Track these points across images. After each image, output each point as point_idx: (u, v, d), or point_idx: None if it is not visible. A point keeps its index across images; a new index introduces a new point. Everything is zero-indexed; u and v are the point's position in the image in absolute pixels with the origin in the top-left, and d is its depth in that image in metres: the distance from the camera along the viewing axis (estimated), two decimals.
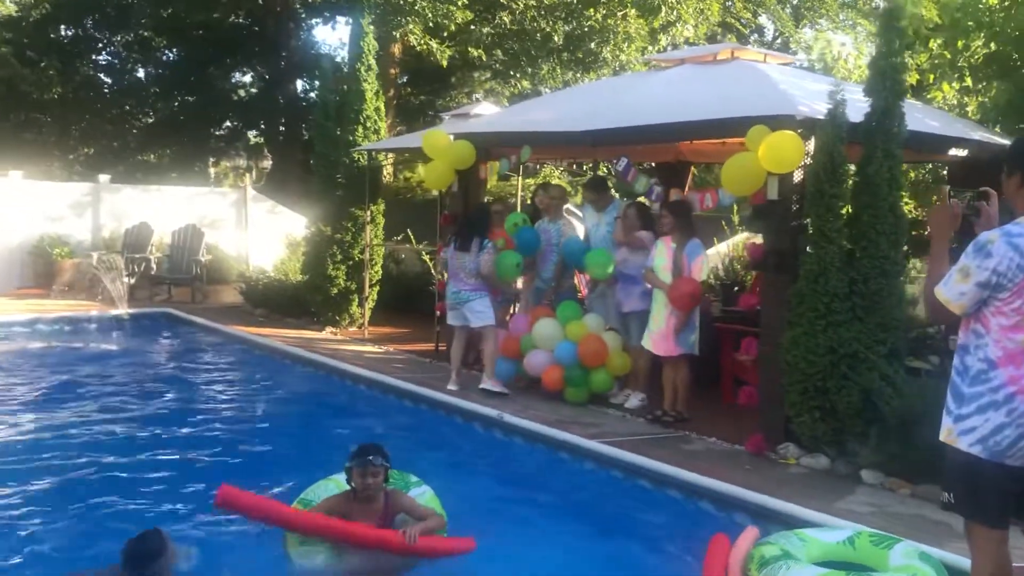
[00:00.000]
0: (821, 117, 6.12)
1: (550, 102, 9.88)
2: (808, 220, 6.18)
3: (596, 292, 8.30)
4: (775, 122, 6.18)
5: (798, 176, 6.31)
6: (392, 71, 18.70)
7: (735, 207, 12.01)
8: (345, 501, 4.28)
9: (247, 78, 28.95)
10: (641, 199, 8.09)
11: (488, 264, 7.89)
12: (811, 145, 6.24)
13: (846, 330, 5.98)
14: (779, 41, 24.58)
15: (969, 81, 8.89)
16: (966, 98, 9.51)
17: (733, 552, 4.38)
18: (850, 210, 6.11)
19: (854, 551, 4.39)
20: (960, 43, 8.98)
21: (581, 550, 4.92)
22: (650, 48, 16.03)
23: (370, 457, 4.20)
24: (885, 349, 5.99)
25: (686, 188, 10.31)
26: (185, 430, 6.92)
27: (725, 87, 7.31)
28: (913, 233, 7.56)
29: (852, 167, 6.16)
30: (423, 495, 4.47)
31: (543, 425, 6.77)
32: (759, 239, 10.36)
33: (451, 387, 7.95)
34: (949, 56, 8.84)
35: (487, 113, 10.68)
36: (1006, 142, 7.81)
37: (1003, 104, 8.03)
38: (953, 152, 7.49)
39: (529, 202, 11.63)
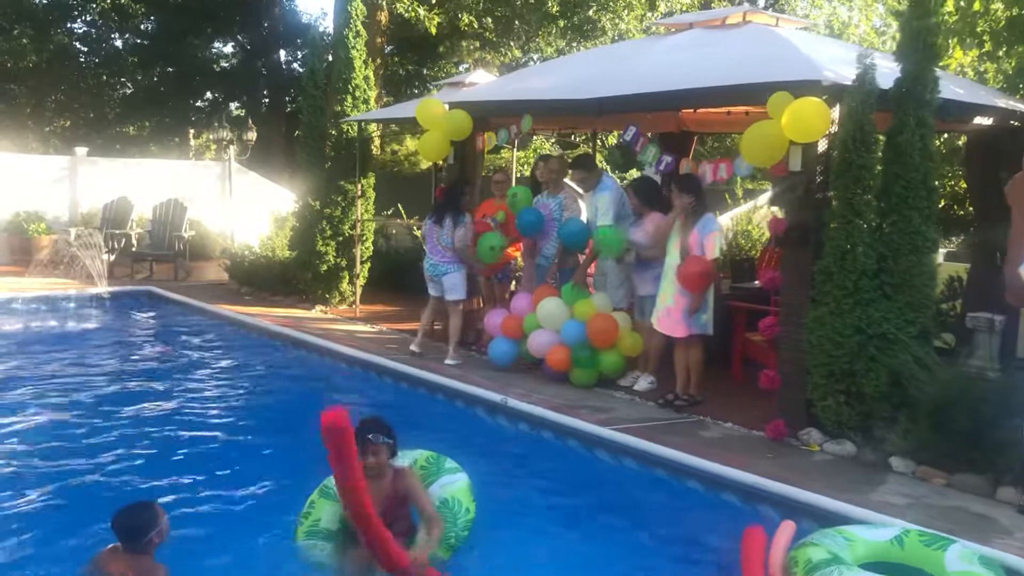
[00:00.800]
0: (848, 83, 5.75)
1: (552, 69, 9.43)
2: (834, 193, 5.83)
3: (599, 271, 7.92)
4: (799, 88, 5.80)
5: (822, 146, 5.95)
6: (378, 40, 18.16)
7: (738, 179, 11.72)
8: None
9: (228, 48, 28.30)
10: (631, 174, 7.71)
11: (461, 239, 7.99)
12: (836, 113, 5.88)
13: (875, 309, 5.65)
14: (771, 9, 24.11)
15: (989, 46, 8.51)
16: (984, 65, 9.13)
17: (772, 551, 4.07)
18: (879, 182, 5.76)
19: (903, 551, 4.08)
20: (977, 5, 8.60)
21: (597, 547, 4.61)
22: (649, 15, 15.54)
23: (368, 436, 3.88)
24: (915, 330, 5.68)
25: (689, 159, 9.94)
26: (173, 418, 6.54)
27: (741, 52, 6.92)
28: None
29: (880, 136, 5.81)
30: (455, 483, 4.07)
31: (549, 410, 6.42)
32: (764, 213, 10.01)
33: (412, 348, 8.32)
34: (967, 20, 8.45)
35: (482, 82, 10.22)
36: None
37: None
38: (977, 120, 7.15)
39: (528, 175, 11.24)
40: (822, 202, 5.98)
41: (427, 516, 3.95)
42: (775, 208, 9.43)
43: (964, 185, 8.93)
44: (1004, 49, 8.51)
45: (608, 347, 7.29)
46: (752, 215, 11.82)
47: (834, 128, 5.89)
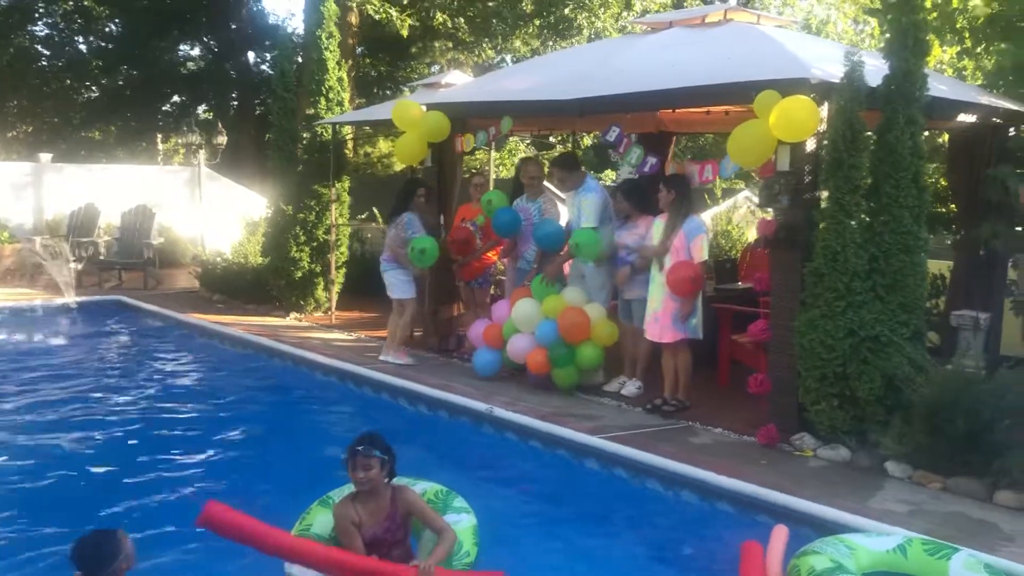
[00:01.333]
0: (836, 81, 5.66)
1: (531, 69, 9.28)
2: (824, 192, 5.73)
3: (576, 272, 7.74)
4: (787, 86, 5.69)
5: (810, 145, 5.84)
6: (349, 41, 17.90)
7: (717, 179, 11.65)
8: (352, 502, 3.77)
9: (195, 51, 27.86)
10: (607, 175, 7.56)
11: (392, 239, 8.11)
12: (823, 111, 5.78)
13: (867, 311, 5.56)
14: (745, 7, 24.10)
15: (969, 43, 8.49)
16: (963, 62, 9.11)
17: (769, 557, 3.95)
18: (869, 181, 5.67)
19: (906, 561, 3.98)
20: (956, 2, 8.57)
21: (589, 560, 4.49)
22: (625, 14, 15.44)
23: (359, 447, 3.68)
24: (908, 331, 5.59)
25: (668, 160, 9.83)
26: (144, 433, 6.33)
27: (725, 50, 6.80)
28: None
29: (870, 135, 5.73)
30: (459, 523, 3.86)
31: (537, 419, 6.27)
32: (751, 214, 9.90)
33: (382, 357, 8.18)
34: (947, 16, 8.41)
35: (458, 83, 10.04)
36: (1014, 107, 7.44)
37: (1008, 67, 7.63)
38: (961, 118, 7.10)
39: (503, 176, 11.07)
40: (811, 202, 5.89)
41: (437, 529, 3.75)
42: (759, 208, 9.34)
43: (944, 183, 8.89)
44: (983, 46, 8.49)
45: (583, 341, 7.04)
46: (731, 215, 11.77)
47: (822, 127, 5.80)
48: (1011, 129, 7.69)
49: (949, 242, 8.13)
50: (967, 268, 7.90)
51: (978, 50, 8.53)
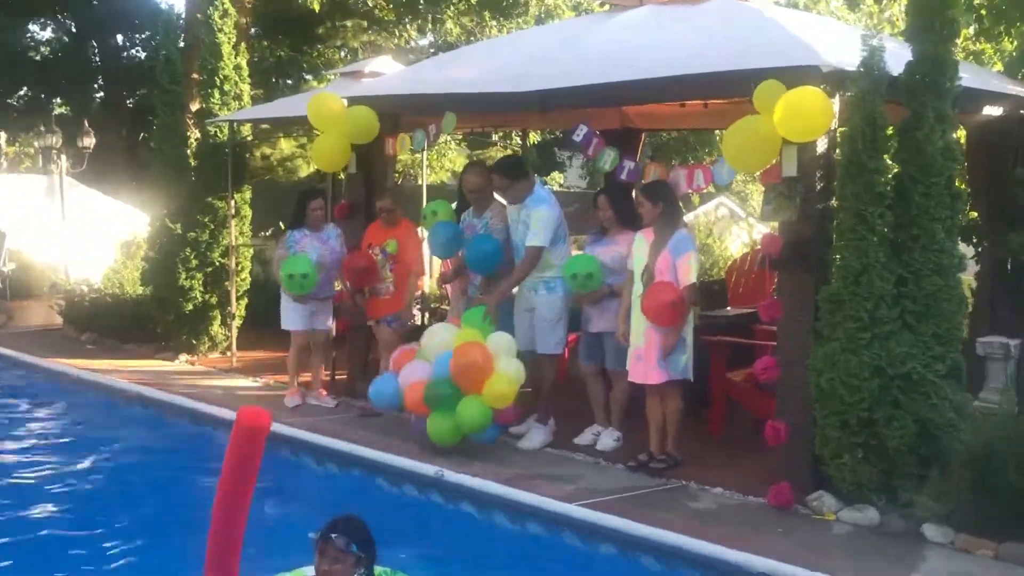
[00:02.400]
0: (850, 68, 5.64)
1: (479, 55, 9.12)
2: (840, 203, 5.69)
3: (524, 305, 7.48)
4: (793, 76, 5.64)
5: (821, 146, 5.81)
6: (243, 19, 17.55)
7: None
8: None
9: (47, 33, 27.11)
10: (554, 178, 7.43)
11: (275, 261, 8.32)
12: (835, 105, 5.76)
13: (896, 344, 5.52)
14: None
15: (987, 22, 8.66)
16: (979, 44, 9.29)
17: None
18: (893, 189, 5.65)
19: None
20: None
21: None
22: None
23: (333, 535, 3.47)
24: (944, 367, 5.56)
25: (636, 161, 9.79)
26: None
27: (710, 32, 6.77)
28: None
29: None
30: None
31: (499, 484, 6.08)
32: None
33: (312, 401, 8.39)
34: None
35: (387, 71, 9.83)
36: None
37: None
38: (986, 111, 7.20)
39: (430, 181, 10.91)
40: (824, 214, 5.85)
41: None
42: (748, 219, 9.34)
43: (960, 185, 9.03)
44: (1003, 25, 8.65)
45: (474, 391, 6.53)
46: (711, 224, 11.79)
47: (834, 124, 5.78)
48: None
49: (971, 256, 8.20)
50: (992, 286, 8.00)
51: (998, 30, 8.70)
